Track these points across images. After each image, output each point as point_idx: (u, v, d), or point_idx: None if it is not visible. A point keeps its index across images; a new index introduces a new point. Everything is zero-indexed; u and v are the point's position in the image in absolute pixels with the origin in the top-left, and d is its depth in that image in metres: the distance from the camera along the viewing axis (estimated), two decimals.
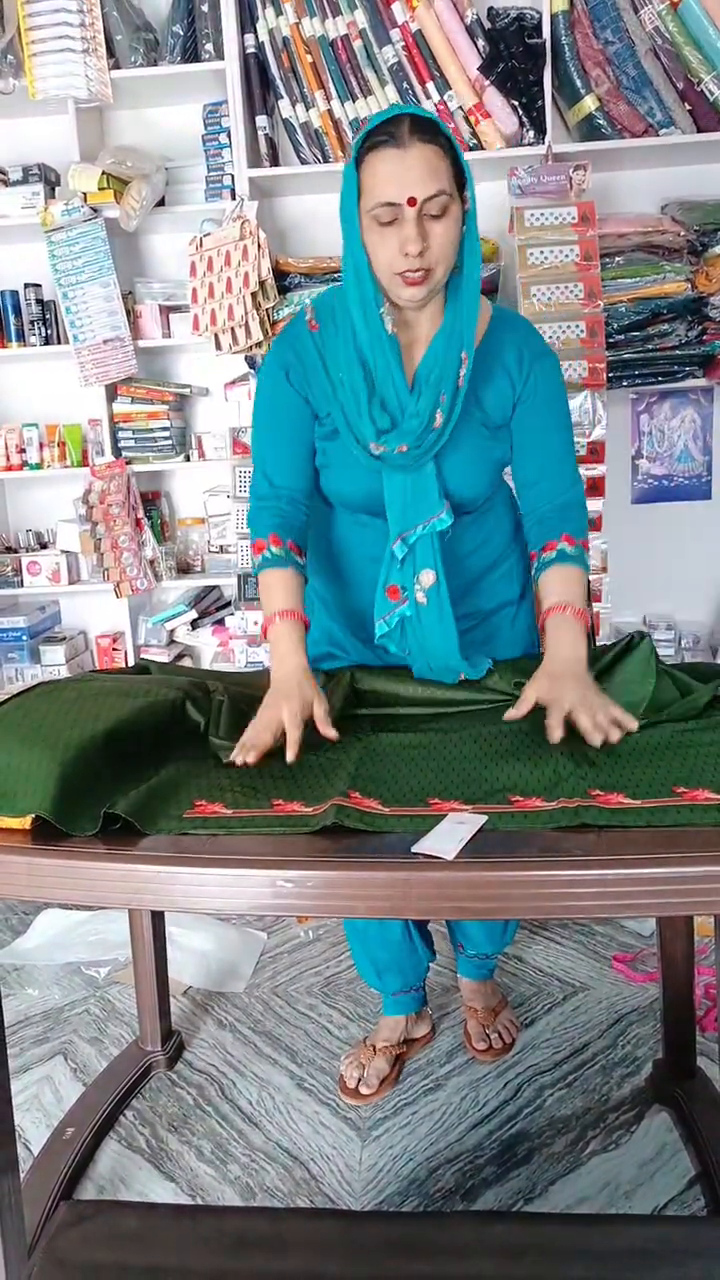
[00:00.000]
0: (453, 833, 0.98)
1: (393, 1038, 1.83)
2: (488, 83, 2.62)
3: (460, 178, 1.28)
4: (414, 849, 0.96)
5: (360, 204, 1.27)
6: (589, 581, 1.43)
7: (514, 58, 2.60)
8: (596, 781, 1.09)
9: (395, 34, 2.65)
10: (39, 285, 3.00)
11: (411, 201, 1.23)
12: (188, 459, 3.07)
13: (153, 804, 1.08)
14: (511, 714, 1.25)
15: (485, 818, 1.01)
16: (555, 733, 1.18)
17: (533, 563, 1.45)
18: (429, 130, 1.23)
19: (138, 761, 1.19)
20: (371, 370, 1.35)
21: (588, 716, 1.18)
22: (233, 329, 2.73)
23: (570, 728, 1.19)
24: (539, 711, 1.25)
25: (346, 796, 1.07)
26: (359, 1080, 1.76)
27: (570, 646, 1.32)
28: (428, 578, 1.42)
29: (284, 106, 2.76)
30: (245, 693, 1.39)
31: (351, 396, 1.36)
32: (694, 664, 1.52)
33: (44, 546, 3.25)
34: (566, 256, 2.51)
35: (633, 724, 1.19)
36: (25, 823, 1.04)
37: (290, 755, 1.19)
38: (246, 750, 1.18)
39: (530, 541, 1.47)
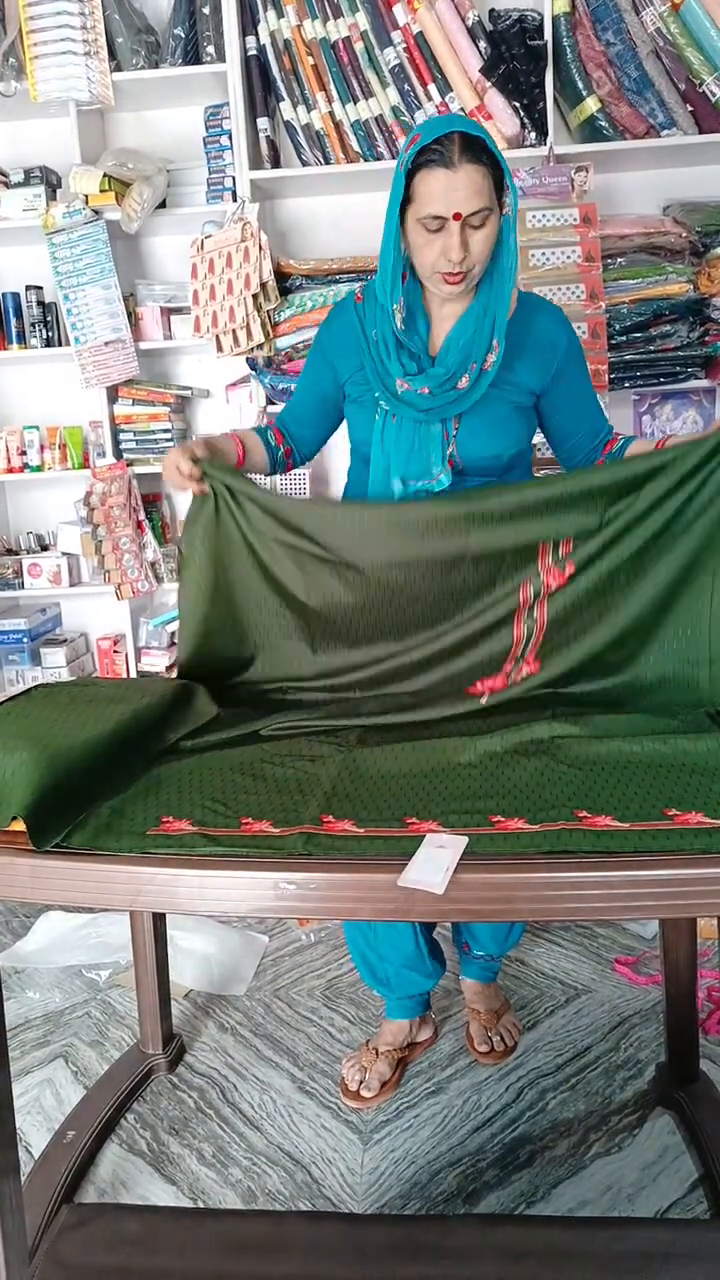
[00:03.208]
0: (436, 860, 0.96)
1: (395, 1041, 1.82)
2: (489, 84, 2.62)
3: (501, 183, 1.41)
4: (400, 883, 0.94)
5: (408, 208, 1.42)
6: None
7: (515, 59, 2.59)
8: (584, 801, 1.06)
9: (396, 36, 2.65)
10: (40, 287, 3.00)
11: (457, 216, 1.37)
12: None
13: (115, 823, 1.07)
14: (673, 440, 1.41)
15: (466, 840, 0.99)
16: None
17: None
18: (476, 149, 1.37)
19: (118, 772, 1.18)
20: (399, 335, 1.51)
21: None
22: (234, 331, 2.73)
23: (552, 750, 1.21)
24: (536, 725, 1.26)
25: (318, 822, 1.06)
26: (360, 1083, 1.76)
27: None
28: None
29: (285, 108, 2.75)
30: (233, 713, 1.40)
31: (383, 345, 1.51)
32: None
33: (45, 549, 3.24)
34: (568, 258, 2.51)
35: None
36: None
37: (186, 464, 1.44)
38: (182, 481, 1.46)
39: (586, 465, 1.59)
